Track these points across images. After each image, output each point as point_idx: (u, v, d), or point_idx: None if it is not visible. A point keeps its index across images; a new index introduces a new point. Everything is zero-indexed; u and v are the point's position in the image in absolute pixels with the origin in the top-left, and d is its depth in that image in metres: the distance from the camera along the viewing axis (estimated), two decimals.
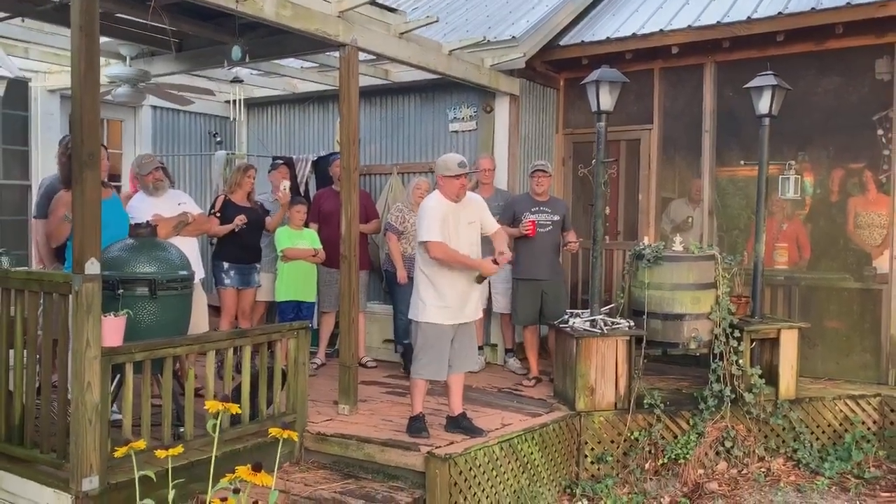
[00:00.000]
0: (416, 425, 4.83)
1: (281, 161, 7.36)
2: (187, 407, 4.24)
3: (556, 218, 6.37)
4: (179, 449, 1.58)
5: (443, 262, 4.62)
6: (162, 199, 5.40)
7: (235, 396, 4.58)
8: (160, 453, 1.57)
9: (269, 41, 5.62)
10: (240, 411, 4.07)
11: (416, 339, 4.84)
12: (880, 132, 6.34)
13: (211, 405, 1.64)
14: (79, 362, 3.64)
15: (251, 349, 4.65)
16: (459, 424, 4.88)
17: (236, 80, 5.64)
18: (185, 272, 4.55)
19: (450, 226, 4.66)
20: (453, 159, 4.72)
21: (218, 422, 1.64)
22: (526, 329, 6.66)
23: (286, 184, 6.59)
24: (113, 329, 3.83)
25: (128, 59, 6.16)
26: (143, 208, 5.24)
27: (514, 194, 6.99)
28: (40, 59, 6.57)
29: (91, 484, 3.68)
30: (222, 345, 4.50)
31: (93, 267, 3.65)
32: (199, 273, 5.37)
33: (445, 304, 4.70)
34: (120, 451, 1.80)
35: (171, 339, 4.19)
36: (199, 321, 5.31)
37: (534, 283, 6.35)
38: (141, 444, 1.75)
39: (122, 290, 4.11)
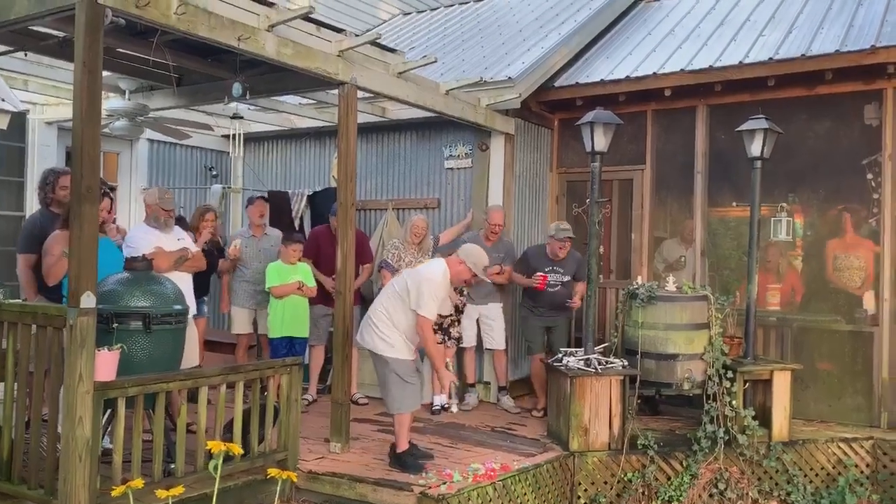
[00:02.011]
0: (412, 460, 4.83)
1: (259, 196, 7.31)
2: (178, 443, 4.18)
3: (567, 278, 6.68)
4: (180, 489, 1.55)
5: (423, 339, 4.87)
6: (165, 234, 5.41)
7: (227, 433, 4.53)
8: (161, 493, 1.54)
9: (270, 78, 5.68)
10: (241, 451, 4.04)
11: (389, 376, 4.89)
12: (869, 176, 6.44)
13: (213, 445, 1.62)
14: (71, 397, 3.60)
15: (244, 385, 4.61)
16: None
17: (236, 117, 5.69)
18: (179, 306, 4.52)
19: (440, 302, 4.94)
20: (483, 260, 5.04)
21: (219, 462, 1.63)
22: (534, 359, 6.76)
23: (237, 242, 6.53)
24: (106, 363, 3.79)
25: (127, 93, 6.20)
26: (146, 239, 5.24)
27: (510, 242, 7.03)
28: (39, 92, 6.61)
29: None
30: (215, 381, 4.46)
31: (88, 300, 3.64)
32: (193, 308, 5.35)
33: (407, 343, 4.94)
34: (117, 491, 1.77)
35: (163, 375, 4.15)
36: (191, 356, 5.28)
37: (542, 321, 6.76)
38: (139, 482, 1.73)
39: (116, 325, 4.08)
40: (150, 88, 6.43)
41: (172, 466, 4.21)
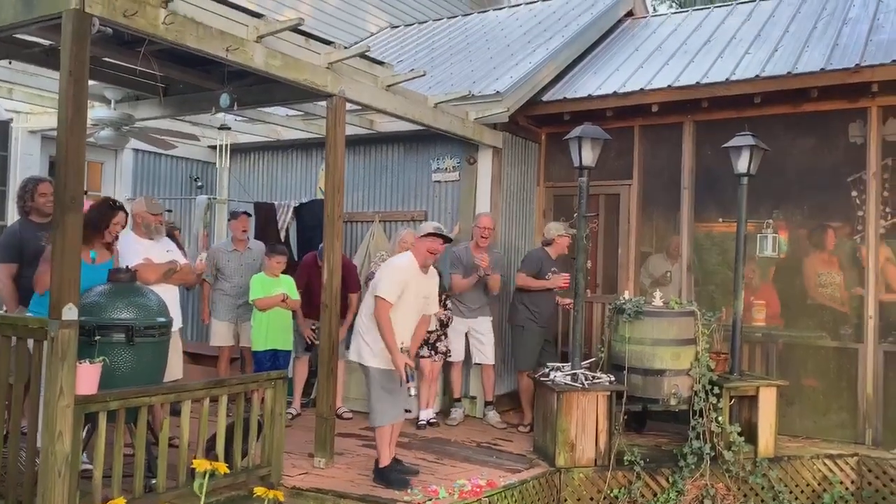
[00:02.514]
0: (396, 475, 4.79)
1: (242, 211, 7.25)
2: (160, 458, 4.11)
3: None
4: None
5: (376, 322, 4.75)
6: (154, 244, 5.34)
7: (210, 448, 4.46)
8: None
9: (258, 89, 5.65)
10: (226, 469, 3.98)
11: (371, 386, 4.86)
12: (854, 194, 6.49)
13: (199, 464, 1.58)
14: (51, 411, 3.53)
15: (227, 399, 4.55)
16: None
17: (224, 128, 5.64)
18: (163, 319, 4.46)
19: (409, 292, 4.83)
20: (431, 223, 5.09)
21: (205, 482, 1.59)
22: (523, 375, 6.71)
23: (203, 255, 6.37)
24: (88, 377, 3.72)
25: (112, 102, 6.15)
26: (136, 250, 5.17)
27: (500, 252, 7.02)
28: (23, 101, 6.55)
29: None
30: (198, 394, 4.39)
31: (70, 313, 3.57)
32: (178, 322, 5.28)
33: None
34: None
35: (146, 388, 4.08)
36: (174, 369, 5.21)
37: (544, 331, 6.71)
38: (121, 501, 1.67)
39: (98, 337, 4.01)
40: (136, 98, 6.38)
41: (154, 482, 4.14)
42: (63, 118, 3.61)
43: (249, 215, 7.21)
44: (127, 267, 4.66)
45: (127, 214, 5.01)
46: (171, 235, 6.02)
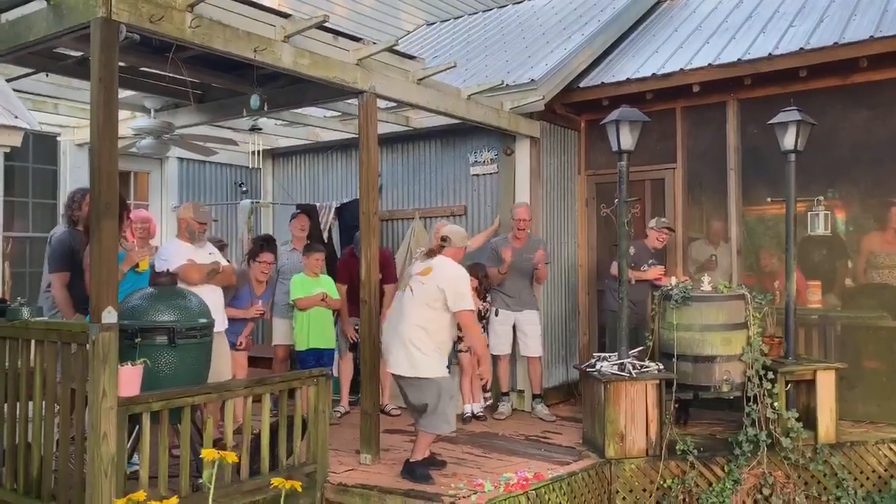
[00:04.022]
0: (422, 470, 4.78)
1: (299, 211, 7.36)
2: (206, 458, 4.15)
3: (662, 268, 6.81)
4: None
5: (472, 333, 4.85)
6: (197, 248, 5.43)
7: (255, 446, 4.50)
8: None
9: (290, 90, 5.69)
10: (236, 459, 4.02)
11: (432, 397, 4.73)
12: None
13: (207, 454, 1.56)
14: (95, 413, 3.60)
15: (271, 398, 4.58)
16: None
17: (255, 129, 5.69)
18: (204, 320, 4.52)
19: None
20: (461, 232, 5.10)
21: (214, 471, 1.57)
22: None
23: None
24: (130, 378, 3.79)
25: (152, 111, 6.27)
26: (179, 252, 5.27)
27: (541, 240, 6.92)
28: (69, 115, 6.73)
29: None
30: (241, 393, 4.44)
31: (109, 316, 3.64)
32: (223, 323, 5.34)
33: (444, 357, 4.85)
34: (118, 503, 1.73)
35: (188, 388, 4.13)
36: (223, 370, 5.27)
37: (636, 318, 6.55)
38: (141, 495, 1.68)
39: (139, 339, 4.08)
40: (175, 106, 6.49)
41: (200, 481, 4.18)
42: (95, 125, 3.68)
43: (312, 213, 7.33)
44: (167, 270, 4.73)
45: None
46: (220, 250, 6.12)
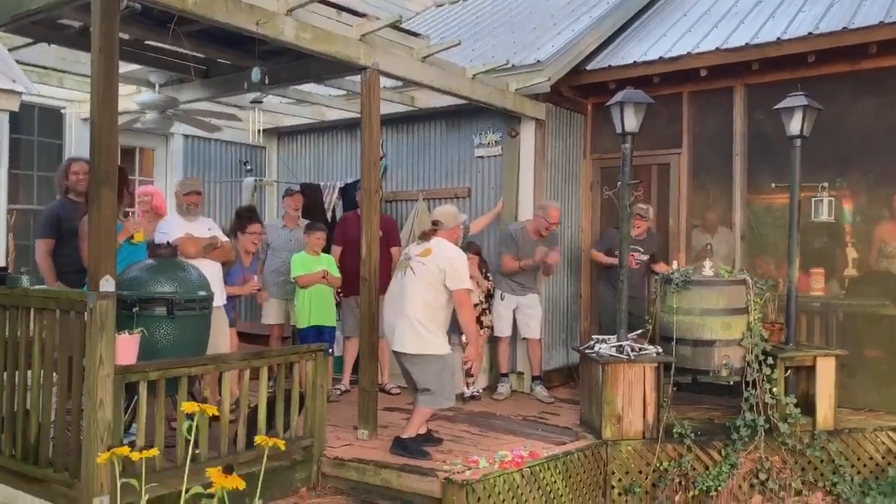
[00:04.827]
0: (417, 446, 4.82)
1: (296, 190, 7.34)
2: (202, 429, 4.18)
3: (646, 257, 6.87)
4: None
5: (466, 312, 4.81)
6: (194, 222, 5.45)
7: (252, 420, 4.53)
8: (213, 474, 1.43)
9: (293, 66, 5.67)
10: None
11: (438, 374, 4.79)
12: None
13: (187, 406, 1.57)
14: (92, 380, 3.63)
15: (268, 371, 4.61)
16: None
17: (256, 102, 5.68)
18: (204, 293, 4.54)
19: None
20: (454, 211, 5.14)
21: (194, 424, 1.58)
22: None
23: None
24: (127, 347, 3.81)
25: (157, 86, 6.27)
26: (177, 226, 5.30)
27: (555, 233, 6.92)
28: (74, 88, 6.74)
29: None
30: (238, 366, 4.46)
31: (107, 284, 3.66)
32: (221, 298, 5.36)
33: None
34: (102, 458, 1.74)
35: (185, 359, 4.16)
36: (221, 345, 5.29)
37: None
38: (125, 449, 1.69)
39: (136, 309, 4.10)
40: (180, 81, 6.49)
41: (197, 452, 4.22)
42: (95, 95, 3.69)
43: (303, 193, 7.33)
44: (168, 242, 4.75)
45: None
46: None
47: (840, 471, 5.43)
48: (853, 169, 6.57)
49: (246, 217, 6.11)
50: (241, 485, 1.48)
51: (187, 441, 4.07)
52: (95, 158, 3.69)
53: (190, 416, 4.22)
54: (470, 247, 6.50)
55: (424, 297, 4.74)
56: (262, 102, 5.75)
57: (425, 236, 4.96)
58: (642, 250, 6.79)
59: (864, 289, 6.49)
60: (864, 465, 5.56)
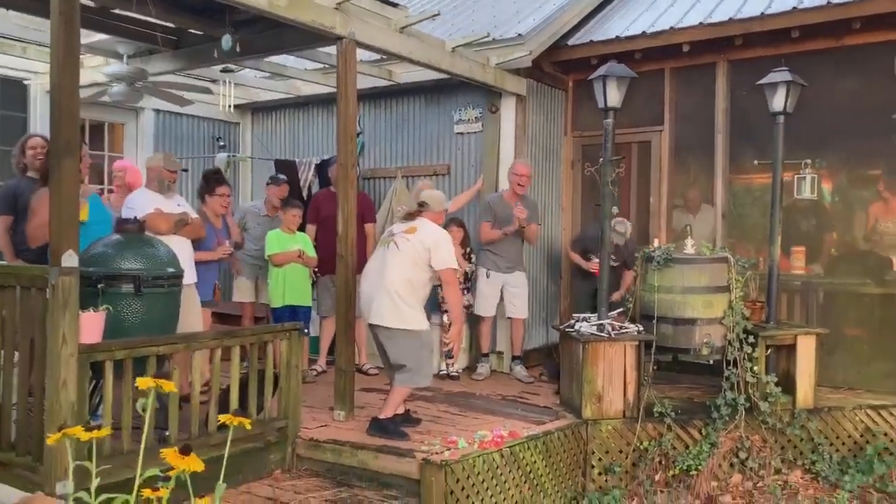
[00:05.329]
0: (395, 427, 4.72)
1: (282, 178, 7.15)
2: (171, 410, 4.05)
3: (616, 263, 6.56)
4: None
5: (451, 293, 4.83)
6: (166, 199, 5.28)
7: (224, 400, 4.40)
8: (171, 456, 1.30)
9: (267, 35, 5.47)
10: (251, 428, 3.90)
11: (415, 350, 4.71)
12: None
13: (141, 382, 1.45)
14: (54, 359, 3.47)
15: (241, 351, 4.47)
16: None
17: (227, 70, 5.47)
18: (173, 269, 4.39)
19: None
20: (440, 195, 5.09)
21: (150, 400, 1.46)
22: None
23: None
24: (91, 325, 3.66)
25: (125, 57, 6.04)
26: (147, 201, 5.13)
27: (535, 201, 6.81)
28: (38, 59, 6.48)
29: (65, 488, 3.49)
30: (209, 345, 4.32)
31: (70, 259, 3.49)
32: (192, 276, 5.20)
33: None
34: (52, 438, 1.62)
35: (153, 338, 4.01)
36: (193, 324, 5.14)
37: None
38: (78, 429, 1.57)
39: (102, 285, 3.94)
40: (149, 52, 6.26)
41: (167, 433, 4.08)
42: (55, 60, 3.51)
43: (292, 168, 7.16)
44: (135, 217, 4.58)
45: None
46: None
47: (819, 449, 5.41)
48: (835, 147, 6.52)
49: (214, 179, 5.91)
50: (200, 466, 1.36)
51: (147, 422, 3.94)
52: (56, 126, 3.51)
53: (161, 396, 4.10)
54: (453, 221, 6.38)
55: (407, 273, 4.66)
56: (233, 71, 5.54)
57: (410, 216, 4.88)
58: (615, 258, 6.50)
59: (844, 267, 6.47)
60: (843, 444, 5.55)
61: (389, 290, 4.63)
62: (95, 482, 1.53)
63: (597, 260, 6.26)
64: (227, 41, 4.77)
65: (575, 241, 7.20)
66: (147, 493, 1.43)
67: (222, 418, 1.62)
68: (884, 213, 6.39)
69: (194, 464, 1.34)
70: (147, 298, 4.18)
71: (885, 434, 5.55)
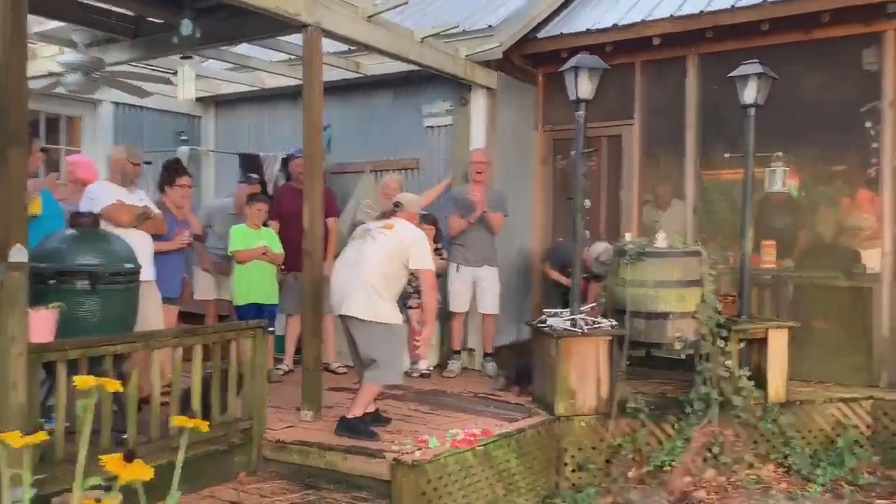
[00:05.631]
0: (364, 427, 4.60)
1: (256, 178, 6.96)
2: (129, 412, 3.87)
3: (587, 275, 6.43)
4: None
5: (427, 292, 4.77)
6: (128, 193, 5.07)
7: (185, 401, 4.22)
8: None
9: (230, 23, 5.29)
10: (207, 429, 3.73)
11: (386, 344, 4.60)
12: (868, 124, 6.12)
13: (79, 381, 1.30)
14: (2, 360, 3.28)
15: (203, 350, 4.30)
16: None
17: (186, 57, 5.27)
18: (130, 265, 4.20)
19: None
20: (415, 198, 5.18)
21: (89, 401, 1.32)
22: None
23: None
24: (42, 323, 3.47)
25: (81, 45, 5.80)
26: (108, 192, 4.92)
27: (501, 191, 6.70)
28: None
29: (16, 496, 3.29)
30: (170, 343, 4.14)
31: (18, 254, 3.30)
32: (152, 272, 5.00)
33: None
34: None
35: (110, 337, 3.83)
36: (153, 323, 4.94)
37: None
38: (12, 435, 1.42)
39: (53, 281, 3.75)
40: (106, 41, 6.02)
41: (124, 437, 3.90)
42: (1, 39, 3.29)
43: (258, 163, 6.98)
44: (90, 212, 4.38)
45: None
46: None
47: (791, 443, 5.40)
48: (805, 141, 6.52)
49: (174, 169, 5.71)
50: (147, 474, 1.22)
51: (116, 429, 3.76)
52: (3, 113, 3.31)
53: (119, 398, 3.91)
54: (425, 218, 6.26)
55: (384, 267, 4.60)
56: (192, 58, 5.35)
57: (385, 215, 4.90)
58: (587, 274, 6.45)
59: (814, 261, 6.48)
60: (815, 437, 5.55)
61: (365, 282, 4.55)
62: (30, 492, 1.37)
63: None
64: (186, 26, 4.59)
65: (551, 256, 7.05)
66: (87, 503, 1.29)
67: (176, 421, 1.47)
68: (852, 207, 6.41)
69: (140, 472, 1.21)
70: (103, 295, 3.99)
71: (856, 427, 5.56)
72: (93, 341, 3.71)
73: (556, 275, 6.80)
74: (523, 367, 6.04)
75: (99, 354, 3.72)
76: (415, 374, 6.34)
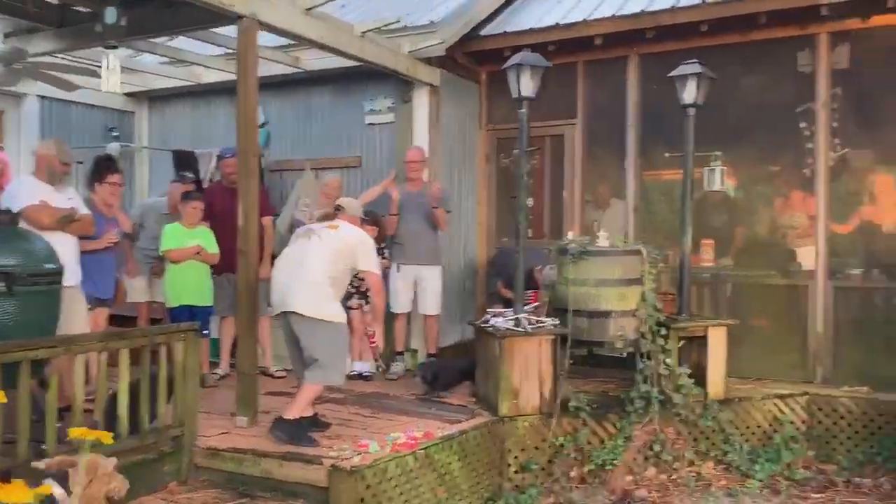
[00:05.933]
0: (302, 431, 4.44)
1: (192, 177, 6.73)
2: (48, 421, 3.65)
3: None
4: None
5: (376, 293, 4.85)
6: (55, 191, 4.78)
7: (111, 408, 4.02)
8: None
9: (162, 14, 5.08)
10: (112, 442, 3.56)
11: (329, 343, 4.49)
12: (803, 125, 6.24)
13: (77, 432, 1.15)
14: None
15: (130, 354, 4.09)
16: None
17: (110, 46, 5.03)
18: (52, 266, 3.98)
19: None
20: (356, 203, 5.22)
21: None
22: None
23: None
24: None
25: (1, 34, 5.50)
26: (32, 191, 4.62)
27: (443, 189, 6.60)
28: None
29: None
30: (94, 347, 3.93)
31: None
32: (76, 276, 4.74)
33: None
34: None
35: (27, 341, 3.60)
36: (77, 328, 4.67)
37: None
38: None
39: None
40: (30, 31, 5.73)
41: (43, 447, 3.68)
42: None
43: (193, 160, 6.75)
44: (8, 209, 4.12)
45: None
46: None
47: (730, 440, 5.46)
48: (742, 141, 6.62)
49: (105, 166, 5.46)
50: (25, 498, 1.08)
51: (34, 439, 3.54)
52: None
53: (38, 405, 3.69)
54: (369, 216, 6.14)
55: (329, 265, 4.54)
56: (116, 48, 5.10)
57: (327, 217, 4.89)
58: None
59: (751, 259, 6.58)
60: (753, 434, 5.63)
61: (311, 280, 4.47)
62: None
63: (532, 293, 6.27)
64: (111, 14, 4.36)
65: (501, 272, 6.91)
66: None
67: (73, 433, 1.34)
68: (786, 207, 6.53)
69: (17, 495, 1.07)
70: (21, 298, 3.78)
71: (792, 422, 5.66)
72: (9, 346, 3.48)
73: (509, 293, 6.65)
74: (444, 367, 5.93)
75: (15, 360, 3.49)
76: (354, 374, 6.20)
